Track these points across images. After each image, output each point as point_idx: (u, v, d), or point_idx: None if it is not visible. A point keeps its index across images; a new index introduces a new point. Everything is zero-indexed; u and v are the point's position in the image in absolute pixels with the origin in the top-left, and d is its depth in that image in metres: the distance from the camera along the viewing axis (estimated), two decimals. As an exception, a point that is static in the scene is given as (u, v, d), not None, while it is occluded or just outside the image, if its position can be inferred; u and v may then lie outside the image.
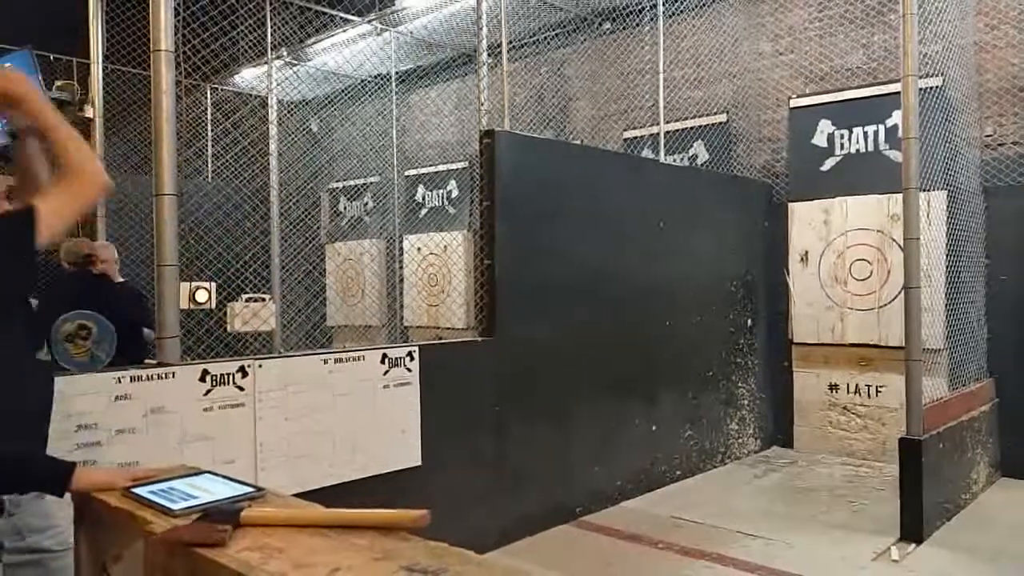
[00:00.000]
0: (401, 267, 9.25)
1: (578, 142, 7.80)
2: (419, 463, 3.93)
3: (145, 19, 3.13)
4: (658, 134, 6.51)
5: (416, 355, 3.95)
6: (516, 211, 4.51)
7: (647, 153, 7.36)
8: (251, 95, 9.30)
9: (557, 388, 4.76)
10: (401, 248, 9.36)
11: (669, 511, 4.99)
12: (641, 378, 5.43)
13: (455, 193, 9.33)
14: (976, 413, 5.22)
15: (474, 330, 4.70)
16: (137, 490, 1.65)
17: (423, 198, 9.71)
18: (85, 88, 5.63)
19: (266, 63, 8.19)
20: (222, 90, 9.44)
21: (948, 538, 4.42)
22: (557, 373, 4.75)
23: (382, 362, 3.82)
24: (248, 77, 9.43)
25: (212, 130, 9.16)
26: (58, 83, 5.70)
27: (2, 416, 1.70)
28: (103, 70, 5.51)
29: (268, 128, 7.85)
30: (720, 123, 7.26)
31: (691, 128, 7.37)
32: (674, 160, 7.22)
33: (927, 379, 4.59)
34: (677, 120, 7.27)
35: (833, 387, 6.40)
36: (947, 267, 5.38)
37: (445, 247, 8.64)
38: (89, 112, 5.65)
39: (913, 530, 4.34)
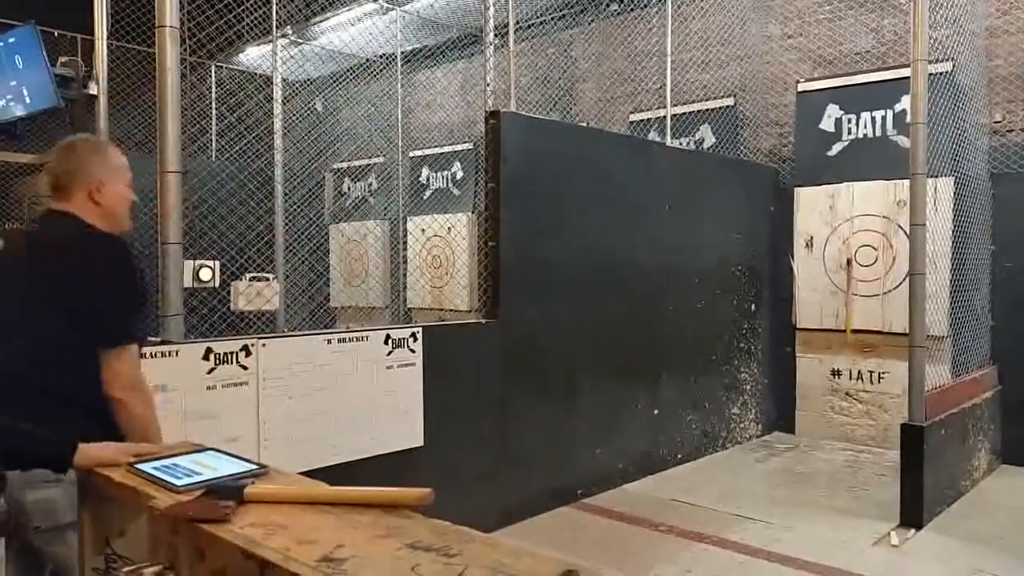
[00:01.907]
0: (405, 249, 9.24)
1: (584, 124, 7.76)
2: (421, 443, 3.95)
3: (150, -5, 3.10)
4: (665, 117, 6.47)
5: (419, 336, 3.96)
6: (521, 193, 4.50)
7: (653, 136, 7.31)
8: (256, 74, 9.24)
9: (560, 370, 4.76)
10: (405, 229, 9.34)
11: (670, 494, 5.01)
12: (644, 361, 5.43)
13: (460, 175, 9.30)
14: (978, 400, 5.21)
15: (477, 312, 4.69)
16: (141, 466, 1.66)
17: (427, 179, 9.67)
18: (89, 64, 5.59)
19: (271, 41, 8.14)
20: (227, 68, 9.39)
21: (948, 524, 4.43)
22: (560, 356, 4.76)
23: (385, 343, 3.83)
24: (253, 55, 9.37)
25: (217, 108, 9.12)
26: (62, 59, 5.68)
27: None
28: (107, 46, 5.48)
29: (273, 107, 7.81)
30: (727, 106, 7.21)
31: (698, 111, 7.32)
32: (680, 143, 7.17)
33: (930, 366, 4.59)
34: (684, 103, 7.22)
35: (836, 373, 6.40)
36: (952, 254, 5.36)
37: (449, 229, 8.62)
38: (93, 89, 5.62)
39: (913, 516, 4.35)
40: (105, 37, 5.24)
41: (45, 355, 1.94)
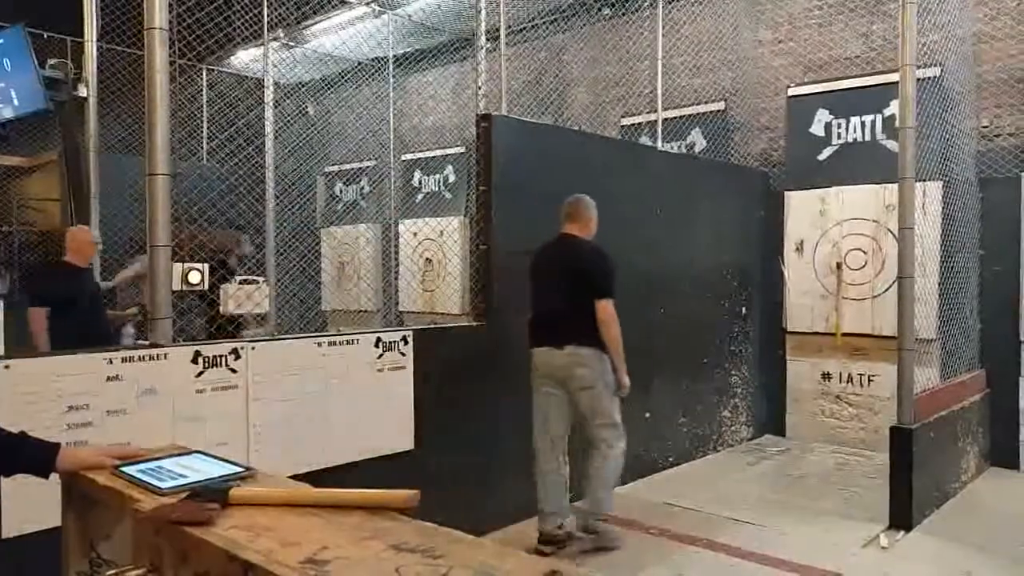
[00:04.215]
0: (396, 252, 9.22)
1: (576, 128, 7.77)
2: (412, 447, 3.94)
3: (139, -3, 3.09)
4: (656, 121, 6.49)
5: (410, 339, 3.95)
6: (513, 196, 4.50)
7: (645, 140, 7.33)
8: (247, 77, 9.23)
9: (551, 374, 4.74)
10: (397, 233, 9.33)
11: (662, 497, 5.01)
12: (635, 365, 5.39)
13: (452, 178, 9.30)
14: (967, 403, 5.24)
15: (469, 315, 4.68)
16: (126, 469, 1.65)
17: (419, 183, 9.67)
18: (79, 67, 5.57)
19: (262, 44, 8.12)
20: (218, 71, 9.37)
21: (937, 526, 4.45)
22: (551, 359, 4.74)
23: (376, 346, 3.82)
24: (244, 58, 9.35)
25: (207, 111, 9.09)
26: (51, 62, 5.65)
27: None
28: (97, 49, 5.46)
29: (264, 110, 7.79)
30: (718, 111, 7.24)
31: (689, 116, 7.35)
32: (672, 147, 7.20)
33: (919, 369, 4.61)
34: (675, 107, 7.24)
35: (826, 376, 6.42)
36: (941, 257, 5.39)
37: (441, 232, 8.61)
38: (83, 91, 5.61)
39: (902, 518, 4.37)
40: (95, 39, 5.23)
41: (574, 303, 3.96)
